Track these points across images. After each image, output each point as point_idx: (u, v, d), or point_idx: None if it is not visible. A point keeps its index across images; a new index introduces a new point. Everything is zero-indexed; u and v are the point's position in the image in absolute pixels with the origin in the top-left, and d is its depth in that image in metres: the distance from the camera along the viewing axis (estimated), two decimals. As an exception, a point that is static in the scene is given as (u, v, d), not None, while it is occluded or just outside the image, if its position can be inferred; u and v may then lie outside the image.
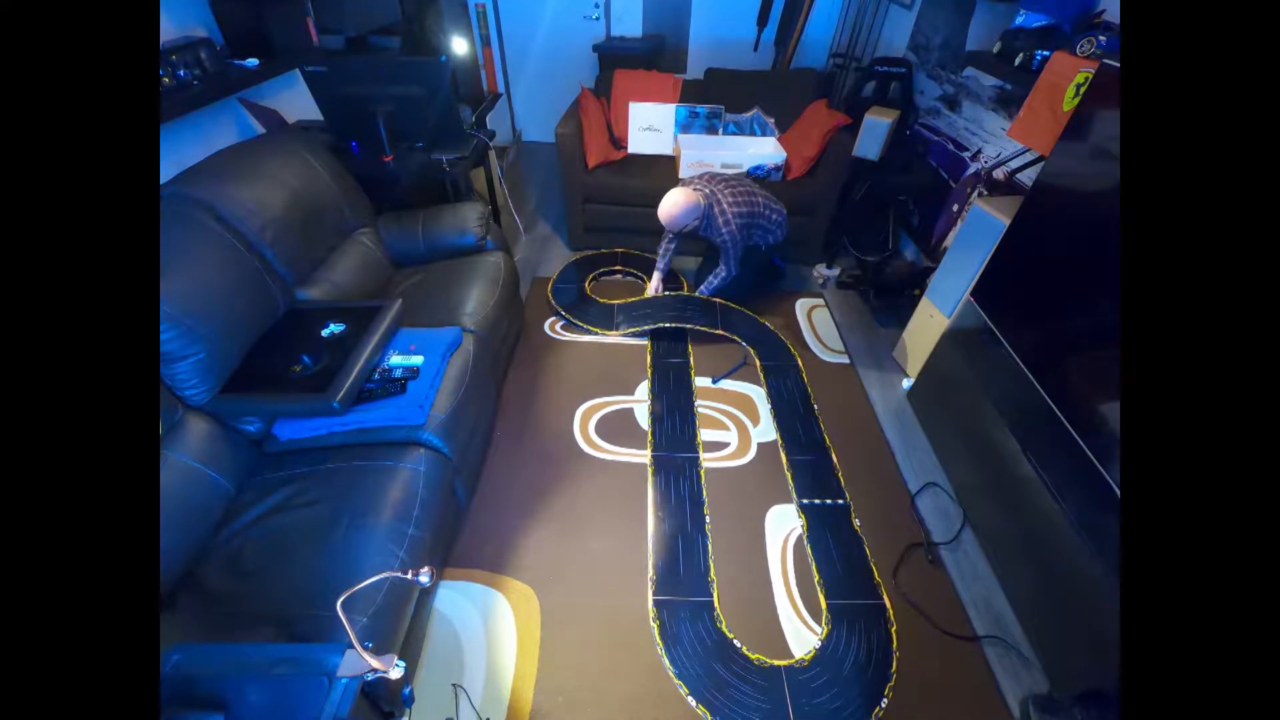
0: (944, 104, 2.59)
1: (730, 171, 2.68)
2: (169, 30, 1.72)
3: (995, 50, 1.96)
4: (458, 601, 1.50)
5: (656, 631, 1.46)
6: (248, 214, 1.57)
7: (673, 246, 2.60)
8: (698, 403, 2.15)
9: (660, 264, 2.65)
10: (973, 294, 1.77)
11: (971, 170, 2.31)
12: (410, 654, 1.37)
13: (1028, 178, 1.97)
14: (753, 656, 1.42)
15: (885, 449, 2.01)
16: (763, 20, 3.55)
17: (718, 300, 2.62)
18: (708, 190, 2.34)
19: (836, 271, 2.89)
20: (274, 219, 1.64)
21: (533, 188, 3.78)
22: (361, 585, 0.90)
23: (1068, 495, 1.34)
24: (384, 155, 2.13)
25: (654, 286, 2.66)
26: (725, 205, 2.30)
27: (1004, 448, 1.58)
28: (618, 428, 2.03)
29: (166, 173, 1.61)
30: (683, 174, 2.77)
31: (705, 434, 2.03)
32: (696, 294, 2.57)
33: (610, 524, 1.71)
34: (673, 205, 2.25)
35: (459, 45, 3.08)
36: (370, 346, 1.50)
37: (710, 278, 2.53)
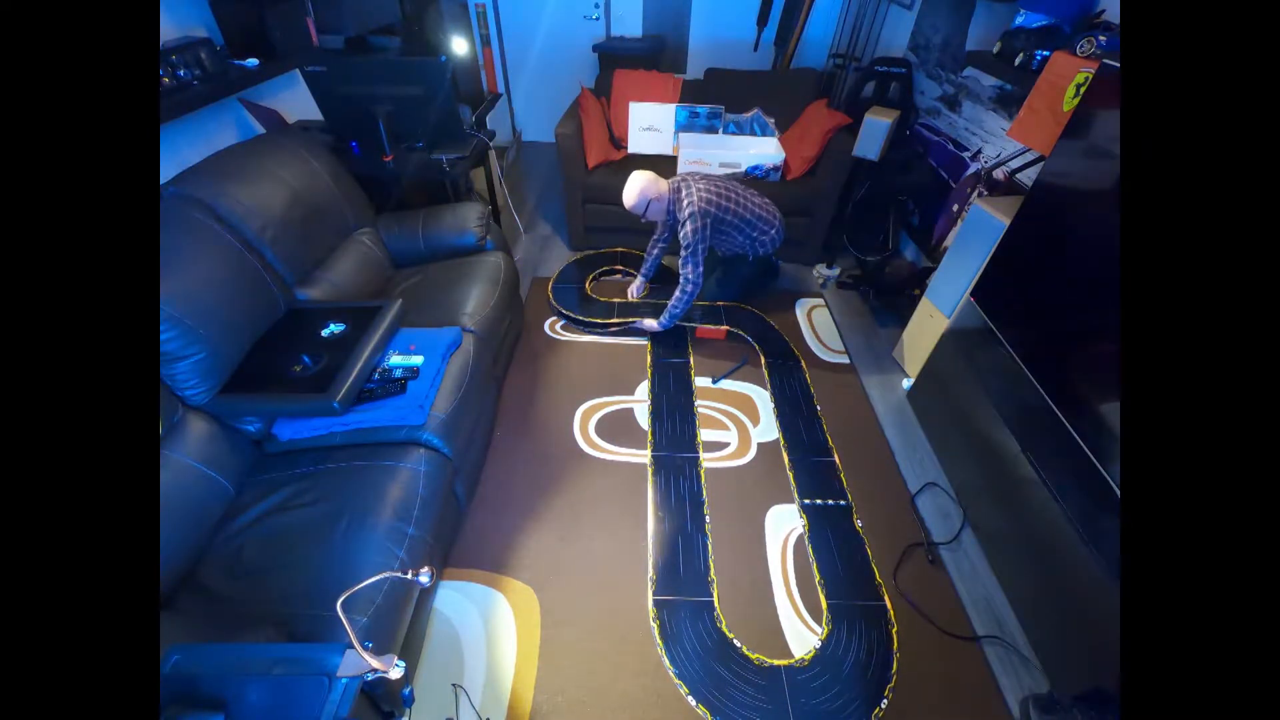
0: (944, 104, 2.58)
1: (726, 172, 2.67)
2: (169, 30, 1.72)
3: (995, 50, 1.96)
4: (458, 601, 1.50)
5: (656, 631, 1.46)
6: (248, 214, 1.57)
7: (659, 249, 2.54)
8: (698, 403, 2.15)
9: (645, 266, 2.61)
10: (973, 294, 1.77)
11: (971, 170, 2.31)
12: (410, 654, 1.37)
13: (1028, 178, 1.96)
14: (753, 656, 1.42)
15: (885, 449, 2.01)
16: (763, 20, 3.55)
17: (720, 302, 2.62)
18: (680, 181, 2.21)
19: (836, 271, 2.89)
20: (274, 219, 1.65)
21: (533, 188, 3.78)
22: (361, 585, 0.90)
23: (1067, 495, 1.34)
24: (384, 155, 2.13)
25: (634, 288, 2.64)
26: (694, 191, 2.15)
27: (1004, 448, 1.58)
28: (618, 428, 2.03)
29: (166, 173, 1.61)
30: (681, 171, 2.77)
31: (705, 434, 2.03)
32: (658, 325, 2.34)
33: (610, 524, 1.71)
34: (630, 183, 2.16)
35: (459, 45, 3.08)
36: (370, 346, 1.50)
37: (672, 302, 2.26)
